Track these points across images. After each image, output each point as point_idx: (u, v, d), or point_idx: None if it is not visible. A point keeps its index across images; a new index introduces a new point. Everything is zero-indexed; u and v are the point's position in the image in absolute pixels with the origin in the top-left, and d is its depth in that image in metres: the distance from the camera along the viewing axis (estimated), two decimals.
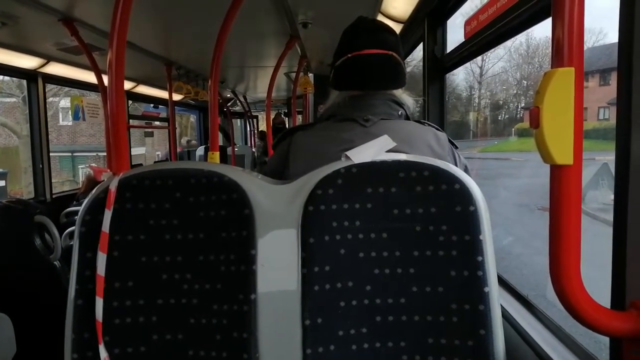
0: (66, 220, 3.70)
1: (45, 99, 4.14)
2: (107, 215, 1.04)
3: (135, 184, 1.07)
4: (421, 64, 2.62)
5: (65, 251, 2.17)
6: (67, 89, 12.71)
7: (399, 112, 1.30)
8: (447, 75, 2.53)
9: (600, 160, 8.19)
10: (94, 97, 5.02)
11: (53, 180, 4.38)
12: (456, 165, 1.25)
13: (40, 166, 4.11)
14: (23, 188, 14.88)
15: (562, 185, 0.74)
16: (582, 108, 0.73)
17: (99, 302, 1.01)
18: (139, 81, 5.59)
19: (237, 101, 8.85)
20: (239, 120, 12.11)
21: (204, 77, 5.44)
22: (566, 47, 0.70)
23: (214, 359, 1.02)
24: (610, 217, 0.85)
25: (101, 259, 1.02)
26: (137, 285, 1.05)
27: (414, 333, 1.01)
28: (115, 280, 1.04)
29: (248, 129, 11.44)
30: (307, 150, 1.25)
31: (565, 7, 0.70)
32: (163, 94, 6.01)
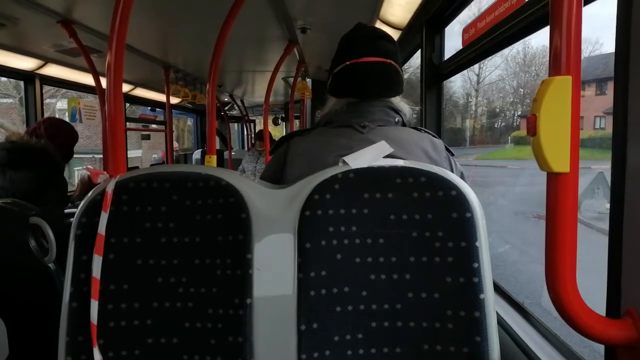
0: None
1: (42, 100, 4.12)
2: (104, 217, 1.03)
3: (132, 187, 1.06)
4: (419, 70, 2.63)
5: (60, 253, 2.15)
6: (64, 90, 12.71)
7: (396, 119, 1.31)
8: (445, 82, 2.54)
9: (596, 169, 8.23)
10: (91, 99, 5.01)
11: None
12: (452, 171, 1.25)
13: None
14: None
15: (559, 193, 0.74)
16: (579, 116, 0.73)
17: (94, 305, 1.01)
18: (136, 84, 5.58)
19: (235, 105, 8.85)
20: (236, 125, 12.11)
21: (202, 81, 5.44)
22: (564, 56, 0.71)
23: None
24: (605, 226, 0.86)
25: (97, 262, 1.02)
26: (133, 288, 1.04)
27: (410, 339, 1.01)
28: (110, 283, 1.04)
29: (245, 133, 11.43)
30: (304, 156, 1.25)
31: (563, 16, 0.70)
32: (161, 97, 6.00)
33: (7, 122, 15.53)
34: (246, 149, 10.49)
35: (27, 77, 3.97)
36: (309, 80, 5.43)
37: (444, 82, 2.53)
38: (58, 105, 17.78)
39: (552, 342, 1.26)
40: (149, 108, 7.00)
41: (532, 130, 0.73)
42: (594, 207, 7.64)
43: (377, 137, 1.19)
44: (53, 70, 4.02)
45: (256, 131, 7.88)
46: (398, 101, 1.34)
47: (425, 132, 1.31)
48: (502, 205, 11.11)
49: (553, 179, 0.74)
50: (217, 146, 8.97)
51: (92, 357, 1.00)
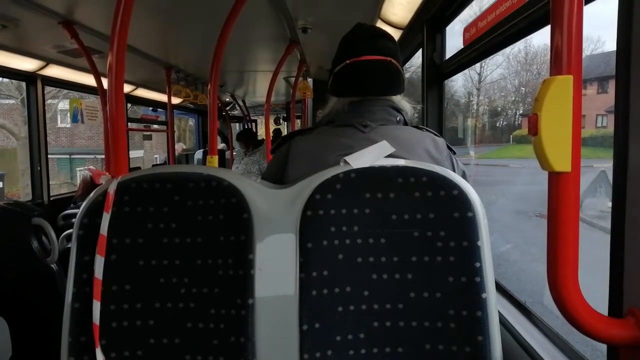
0: (63, 222, 3.69)
1: (44, 101, 4.14)
2: (106, 218, 1.03)
3: (134, 187, 1.06)
4: (420, 70, 2.63)
5: (62, 254, 2.16)
6: (65, 91, 12.73)
7: (398, 118, 1.30)
8: (446, 81, 2.54)
9: (598, 167, 8.22)
10: (93, 100, 5.02)
11: (51, 183, 4.37)
12: (454, 170, 1.25)
13: (38, 168, 4.10)
14: (20, 190, 14.87)
15: (560, 192, 0.74)
16: (581, 115, 0.73)
17: (96, 306, 1.01)
18: (138, 84, 5.59)
19: (236, 105, 8.85)
20: (237, 124, 12.12)
21: (203, 81, 5.45)
22: (565, 55, 0.71)
23: None
24: (607, 224, 0.86)
25: (99, 262, 1.02)
26: (135, 289, 1.05)
27: (412, 339, 1.01)
28: (112, 283, 1.04)
29: None
30: (306, 155, 1.25)
31: (564, 15, 0.70)
32: (162, 97, 6.01)
33: (9, 123, 15.56)
34: None
35: (29, 78, 3.98)
36: (310, 80, 5.43)
37: (445, 81, 2.53)
38: (60, 106, 17.83)
39: (555, 341, 1.25)
40: (151, 108, 7.02)
41: (534, 129, 0.73)
42: (596, 206, 7.62)
43: (378, 137, 1.19)
44: (55, 71, 4.03)
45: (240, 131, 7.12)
46: (399, 100, 1.34)
47: (427, 130, 1.31)
48: (503, 204, 11.10)
49: (555, 178, 0.74)
50: (219, 146, 8.97)
51: (95, 358, 1.00)
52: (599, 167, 8.25)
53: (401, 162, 1.05)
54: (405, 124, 1.33)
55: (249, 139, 5.41)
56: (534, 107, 0.73)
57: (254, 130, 11.06)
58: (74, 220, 1.09)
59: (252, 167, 5.11)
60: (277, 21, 2.98)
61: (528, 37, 1.57)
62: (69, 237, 2.75)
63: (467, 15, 2.16)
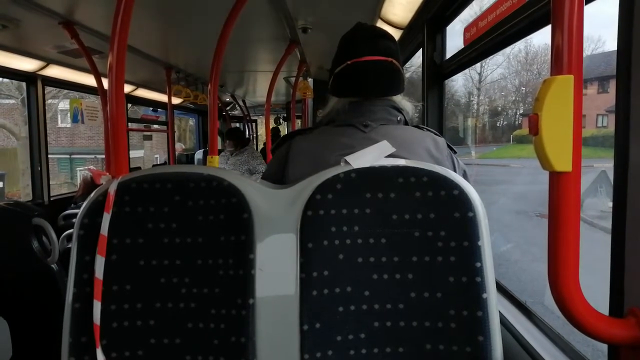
0: (64, 223, 3.69)
1: (44, 101, 4.14)
2: (106, 218, 1.03)
3: (134, 188, 1.07)
4: (420, 69, 2.62)
5: (62, 254, 2.16)
6: (66, 91, 12.73)
7: (398, 118, 1.30)
8: (446, 81, 2.53)
9: (599, 167, 8.22)
10: (93, 100, 5.02)
11: (51, 183, 4.37)
12: (455, 170, 1.25)
13: (39, 168, 4.10)
14: (21, 190, 14.87)
15: (561, 192, 0.74)
16: (581, 115, 0.73)
17: (97, 306, 1.01)
18: (138, 84, 5.59)
19: (237, 105, 8.86)
20: (238, 124, 12.13)
21: (203, 81, 5.45)
22: (565, 55, 0.71)
23: None
24: (608, 224, 0.86)
25: (99, 262, 1.02)
26: (135, 289, 1.05)
27: (412, 339, 1.01)
28: (113, 283, 1.04)
29: (247, 133, 11.45)
30: (306, 155, 1.25)
31: (565, 15, 0.70)
32: (162, 97, 6.02)
33: (9, 123, 15.57)
34: None
35: (29, 79, 3.98)
36: (310, 80, 5.43)
37: (446, 81, 2.53)
38: (60, 106, 17.83)
39: (556, 341, 1.25)
40: (151, 108, 7.02)
41: (534, 129, 0.72)
42: (596, 206, 7.62)
43: (379, 136, 1.19)
44: (55, 72, 4.03)
45: (226, 130, 6.41)
46: (400, 99, 1.34)
47: (428, 130, 1.31)
48: (504, 204, 11.10)
49: (555, 178, 0.74)
50: (219, 146, 8.97)
51: (95, 358, 1.00)
52: (600, 167, 8.25)
53: (401, 162, 1.05)
54: (406, 123, 1.33)
55: (238, 138, 5.27)
56: (534, 107, 0.73)
57: (250, 129, 11.02)
58: (74, 220, 1.09)
59: (241, 167, 4.98)
60: (277, 21, 2.98)
61: (528, 36, 1.57)
62: (69, 237, 2.74)
63: (468, 15, 2.16)
